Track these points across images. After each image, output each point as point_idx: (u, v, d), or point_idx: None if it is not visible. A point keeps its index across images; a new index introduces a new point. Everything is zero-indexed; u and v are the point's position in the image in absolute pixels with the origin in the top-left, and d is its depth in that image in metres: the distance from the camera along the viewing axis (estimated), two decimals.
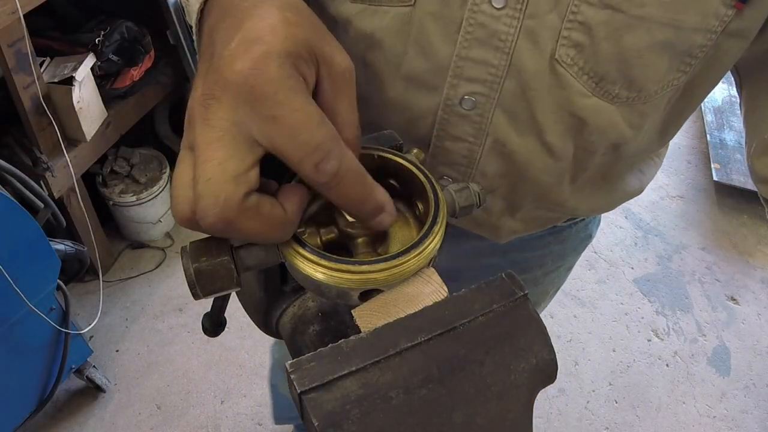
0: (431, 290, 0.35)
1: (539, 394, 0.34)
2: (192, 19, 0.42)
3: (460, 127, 0.55)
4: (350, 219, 0.37)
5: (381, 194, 0.33)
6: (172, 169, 1.68)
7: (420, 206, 0.39)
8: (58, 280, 1.31)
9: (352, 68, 0.34)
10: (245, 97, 0.29)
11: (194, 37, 0.43)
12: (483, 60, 0.50)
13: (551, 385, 0.34)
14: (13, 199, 1.16)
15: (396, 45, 0.52)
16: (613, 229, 2.12)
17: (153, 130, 2.00)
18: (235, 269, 0.36)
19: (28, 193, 1.29)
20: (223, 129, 0.30)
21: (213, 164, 0.30)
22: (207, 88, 0.31)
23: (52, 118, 1.44)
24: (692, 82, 0.51)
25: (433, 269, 0.35)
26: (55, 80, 1.47)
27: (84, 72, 1.50)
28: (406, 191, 0.39)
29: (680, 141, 2.50)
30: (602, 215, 0.81)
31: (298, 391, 0.29)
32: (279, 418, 1.37)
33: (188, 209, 0.31)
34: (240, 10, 0.32)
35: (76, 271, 1.52)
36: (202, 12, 0.38)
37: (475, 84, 0.52)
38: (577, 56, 0.48)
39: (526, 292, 0.34)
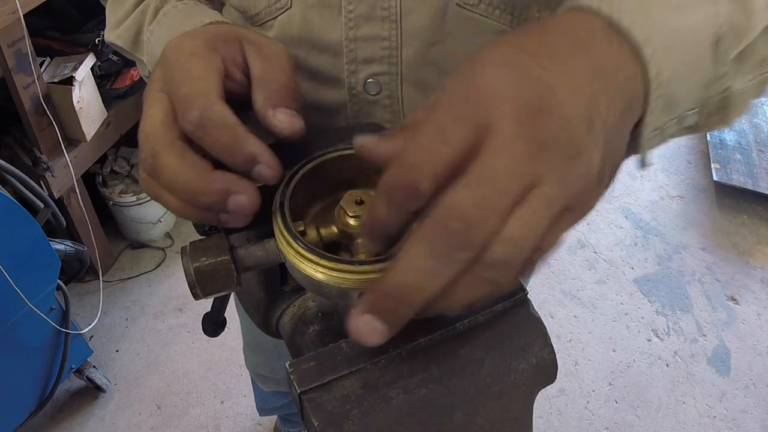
0: None
1: (539, 394, 0.34)
2: None
3: (374, 115, 0.52)
4: (351, 221, 0.37)
5: (253, 146, 0.35)
6: None
7: None
8: (58, 280, 1.31)
9: (282, 48, 0.41)
10: (163, 65, 0.38)
11: None
12: (373, 36, 0.47)
13: (551, 385, 0.34)
14: (13, 199, 1.16)
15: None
16: (613, 229, 2.12)
17: None
18: (235, 269, 0.36)
19: (28, 193, 1.29)
20: (152, 96, 0.37)
21: (146, 118, 0.36)
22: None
23: (52, 118, 1.44)
24: None
25: None
26: (55, 80, 1.47)
27: (84, 72, 1.50)
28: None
29: (680, 141, 2.50)
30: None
31: (298, 391, 0.29)
32: (261, 410, 1.37)
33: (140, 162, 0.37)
34: None
35: (76, 271, 1.52)
36: None
37: (373, 65, 0.49)
38: None
39: (526, 292, 0.34)
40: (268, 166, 0.35)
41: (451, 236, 0.25)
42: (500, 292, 0.29)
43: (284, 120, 0.37)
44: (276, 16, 0.49)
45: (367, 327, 0.27)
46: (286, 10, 0.48)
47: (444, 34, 0.47)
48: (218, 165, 0.35)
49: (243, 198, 0.34)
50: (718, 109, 0.40)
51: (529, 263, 0.27)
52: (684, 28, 0.32)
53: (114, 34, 0.54)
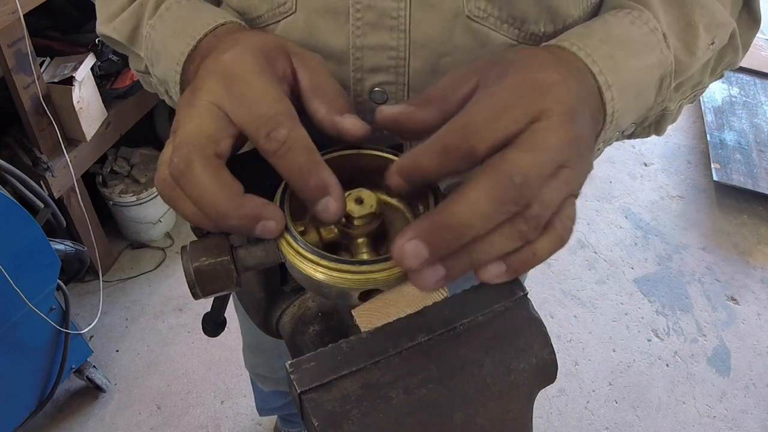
0: None
1: (539, 394, 0.34)
2: (171, 85, 0.47)
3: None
4: (351, 221, 0.37)
5: (327, 175, 0.35)
6: None
7: (420, 206, 0.39)
8: (58, 280, 1.31)
9: (321, 58, 0.42)
10: (223, 79, 0.36)
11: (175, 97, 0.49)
12: (380, 45, 0.47)
13: (551, 385, 0.34)
14: (13, 199, 1.16)
15: None
16: (613, 229, 2.12)
17: (153, 130, 1.99)
18: (235, 269, 0.36)
19: (28, 193, 1.29)
20: (203, 106, 0.35)
21: (191, 126, 0.35)
22: (194, 82, 0.37)
23: (52, 118, 1.44)
24: None
25: None
26: (55, 80, 1.47)
27: (84, 72, 1.50)
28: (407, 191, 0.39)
29: (680, 141, 2.50)
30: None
31: (298, 391, 0.29)
32: (261, 410, 1.37)
33: (165, 163, 0.35)
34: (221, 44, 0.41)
35: (76, 271, 1.52)
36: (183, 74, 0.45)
37: (379, 74, 0.48)
38: (489, 5, 0.45)
39: (526, 292, 0.34)
40: (336, 200, 0.34)
41: (511, 188, 0.30)
42: (521, 257, 0.33)
43: (355, 123, 0.38)
44: (279, 20, 0.48)
45: (413, 250, 0.30)
46: (291, 14, 0.47)
47: (452, 45, 0.47)
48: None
49: (272, 224, 0.34)
50: (654, 123, 0.49)
51: (547, 226, 0.33)
52: (640, 69, 0.40)
53: (109, 26, 0.52)
